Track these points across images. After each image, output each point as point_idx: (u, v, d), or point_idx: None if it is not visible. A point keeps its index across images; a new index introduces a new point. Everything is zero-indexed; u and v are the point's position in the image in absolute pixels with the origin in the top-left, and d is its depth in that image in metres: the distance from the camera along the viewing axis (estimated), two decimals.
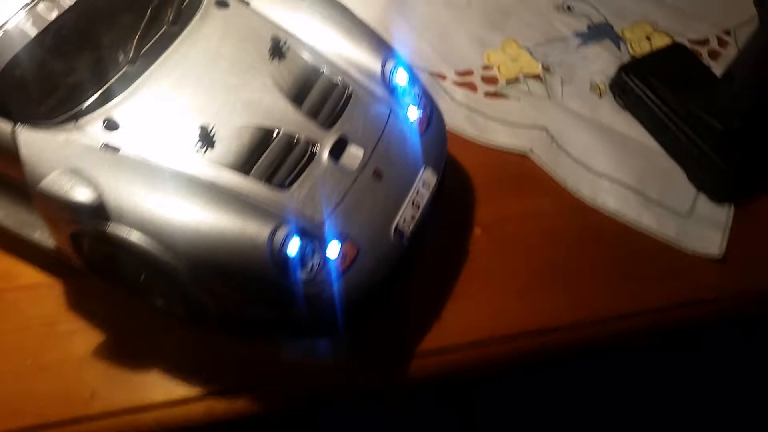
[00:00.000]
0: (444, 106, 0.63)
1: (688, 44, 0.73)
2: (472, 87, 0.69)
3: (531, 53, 0.72)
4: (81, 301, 0.52)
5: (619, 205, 0.62)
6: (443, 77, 0.69)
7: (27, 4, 0.46)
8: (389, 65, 0.54)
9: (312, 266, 0.46)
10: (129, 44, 0.49)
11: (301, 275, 0.45)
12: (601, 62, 0.72)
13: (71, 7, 0.47)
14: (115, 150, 0.46)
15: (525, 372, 0.67)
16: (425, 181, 0.52)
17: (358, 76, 0.53)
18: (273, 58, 0.52)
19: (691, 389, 0.71)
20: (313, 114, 0.50)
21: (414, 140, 0.53)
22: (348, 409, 0.58)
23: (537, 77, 0.70)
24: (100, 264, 0.49)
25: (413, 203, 0.51)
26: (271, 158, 0.48)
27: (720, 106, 0.64)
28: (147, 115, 0.47)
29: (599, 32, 0.74)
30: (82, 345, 0.50)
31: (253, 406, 0.50)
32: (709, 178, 0.64)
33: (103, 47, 0.48)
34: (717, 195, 0.64)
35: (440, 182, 0.55)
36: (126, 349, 0.51)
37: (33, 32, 0.46)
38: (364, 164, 0.50)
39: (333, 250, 0.46)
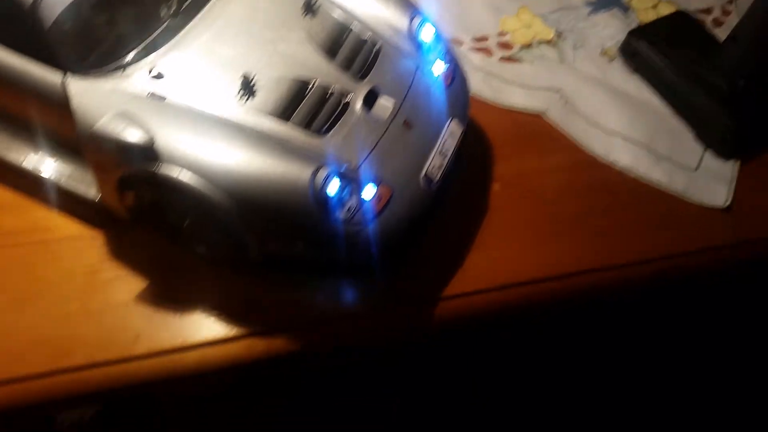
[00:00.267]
0: None
1: (692, 13, 0.76)
2: (487, 52, 0.71)
3: (544, 20, 0.74)
4: (122, 251, 0.54)
5: (630, 161, 0.65)
6: (460, 43, 0.71)
7: None
8: (416, 22, 0.56)
9: (350, 207, 0.48)
10: None
11: (340, 215, 0.47)
12: (610, 29, 0.75)
13: None
14: (162, 98, 0.48)
15: (540, 323, 0.70)
16: (451, 131, 0.55)
17: (387, 33, 0.55)
18: (306, 15, 0.54)
19: (698, 338, 0.74)
20: (346, 67, 0.53)
21: (440, 93, 0.56)
22: (375, 357, 0.60)
23: (550, 42, 0.72)
24: (144, 211, 0.51)
25: (441, 152, 0.54)
26: (308, 107, 0.50)
27: (724, 66, 0.67)
28: (190, 66, 0.49)
29: (608, 1, 0.76)
30: (125, 291, 0.52)
31: (291, 346, 0.52)
32: (716, 135, 0.67)
33: (147, 2, 0.50)
34: (723, 151, 0.67)
35: (464, 134, 0.57)
36: (167, 293, 0.52)
37: None
38: (394, 114, 0.52)
39: (368, 192, 0.49)
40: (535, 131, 0.67)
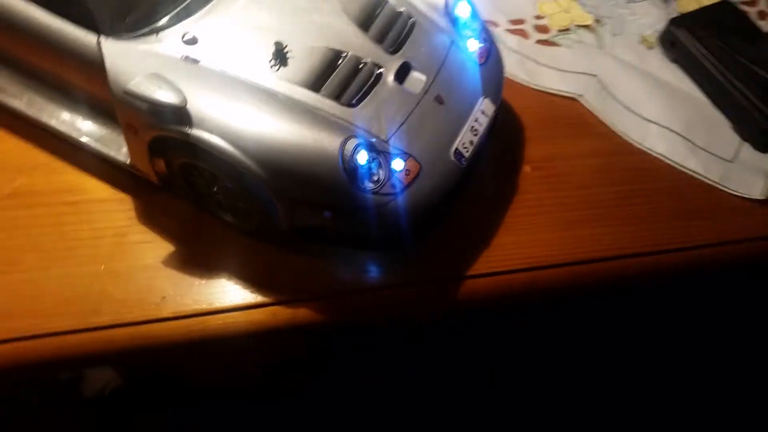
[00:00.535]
0: None
1: (736, 4, 0.75)
2: (524, 35, 0.71)
3: (582, 6, 0.73)
4: (151, 215, 0.54)
5: (666, 148, 0.64)
6: (496, 25, 0.71)
7: None
8: None
9: (378, 178, 0.48)
10: None
11: (369, 185, 0.47)
12: (650, 17, 0.74)
13: None
14: (195, 61, 0.48)
15: (566, 310, 0.69)
16: (484, 109, 0.54)
17: (422, 7, 0.55)
18: None
19: (728, 330, 0.73)
20: (379, 40, 0.52)
21: (474, 71, 0.55)
22: (400, 335, 0.60)
23: (588, 27, 0.71)
24: (173, 176, 0.52)
25: (472, 129, 0.53)
26: (339, 78, 0.50)
27: (767, 55, 0.65)
28: (224, 32, 0.50)
29: None
30: (152, 254, 0.53)
31: (315, 316, 0.52)
32: (755, 127, 0.65)
33: None
34: (761, 143, 0.65)
35: (497, 114, 0.56)
36: (194, 259, 0.53)
37: None
38: (426, 89, 0.52)
39: (397, 164, 0.49)
40: (570, 115, 0.67)
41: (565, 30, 0.71)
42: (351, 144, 0.47)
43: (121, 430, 0.99)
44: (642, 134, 0.65)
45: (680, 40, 0.69)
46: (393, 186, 0.48)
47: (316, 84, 0.49)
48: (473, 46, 0.56)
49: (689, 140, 0.65)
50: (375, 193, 0.48)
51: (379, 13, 0.54)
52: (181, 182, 0.52)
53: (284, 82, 0.48)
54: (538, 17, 0.72)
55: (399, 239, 0.51)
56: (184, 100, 0.45)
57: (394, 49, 0.52)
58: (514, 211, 0.59)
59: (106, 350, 0.49)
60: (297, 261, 0.53)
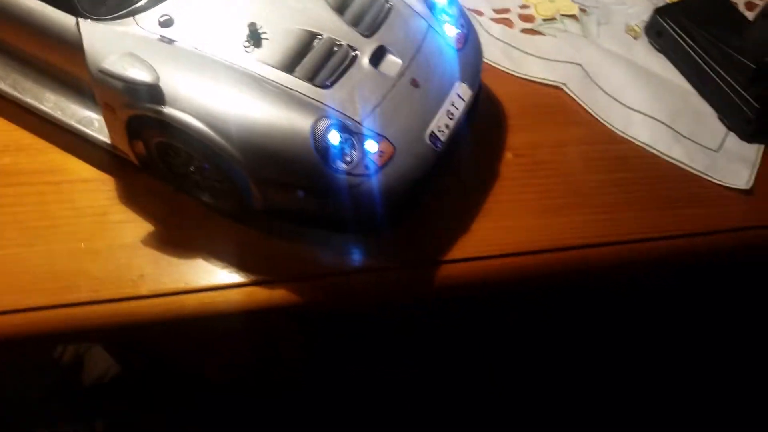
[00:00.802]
0: (481, 40, 0.64)
1: None
2: (508, 23, 0.71)
3: None
4: (131, 196, 0.55)
5: (650, 137, 0.64)
6: (480, 14, 0.71)
7: None
8: None
9: (351, 159, 0.48)
10: None
11: (341, 165, 0.48)
12: (636, 7, 0.74)
13: None
14: (171, 42, 0.49)
15: (553, 302, 0.69)
16: (460, 94, 0.55)
17: None
18: None
19: (711, 320, 0.72)
20: (354, 23, 0.53)
21: (451, 56, 0.55)
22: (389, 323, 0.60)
23: (573, 17, 0.72)
24: (151, 157, 0.52)
25: (448, 113, 0.54)
26: (313, 60, 0.50)
27: (752, 44, 0.65)
28: (200, 13, 0.51)
29: None
30: (132, 233, 0.53)
31: (291, 297, 0.52)
32: (739, 117, 0.65)
33: None
34: (747, 133, 0.65)
35: (475, 98, 0.57)
36: (172, 239, 0.54)
37: None
38: (402, 73, 0.52)
39: (371, 146, 0.49)
40: (554, 103, 0.67)
41: (551, 19, 0.71)
42: (323, 124, 0.47)
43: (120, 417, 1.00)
44: (626, 123, 0.65)
45: (666, 30, 0.70)
46: (366, 167, 0.49)
47: (290, 65, 0.50)
48: (451, 31, 0.56)
49: (674, 129, 0.65)
50: (348, 173, 0.48)
51: None
52: (159, 162, 0.53)
53: (258, 63, 0.49)
54: (523, 6, 0.72)
55: (373, 221, 0.51)
56: (157, 78, 0.46)
57: (370, 32, 0.53)
58: (495, 198, 0.59)
59: (83, 326, 0.50)
60: (274, 243, 0.54)
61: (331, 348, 0.88)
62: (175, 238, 0.54)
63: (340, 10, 0.53)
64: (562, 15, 0.72)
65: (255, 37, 0.50)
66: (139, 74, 0.45)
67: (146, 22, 0.49)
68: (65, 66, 0.52)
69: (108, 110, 0.50)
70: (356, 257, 0.54)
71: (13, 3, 0.51)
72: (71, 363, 1.08)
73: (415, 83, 0.53)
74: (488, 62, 0.67)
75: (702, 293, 0.68)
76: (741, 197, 0.62)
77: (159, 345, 0.76)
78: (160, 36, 0.49)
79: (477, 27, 0.69)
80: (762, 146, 0.65)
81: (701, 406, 0.81)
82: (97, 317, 0.51)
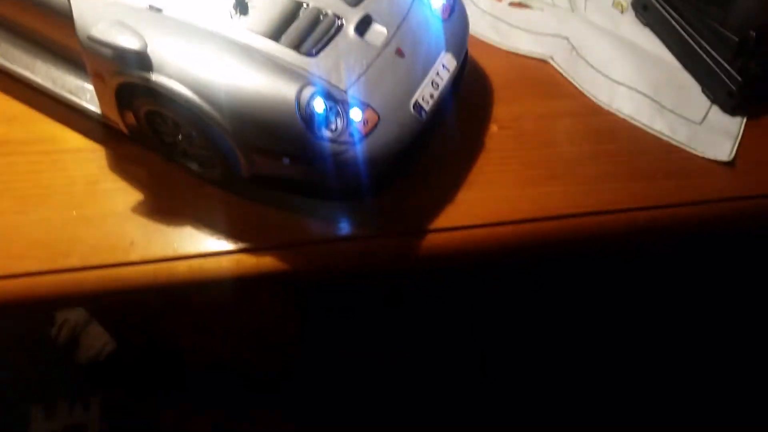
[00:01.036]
0: (468, 13, 0.65)
1: None
2: None
3: None
4: (121, 165, 0.56)
5: (633, 109, 0.65)
6: None
7: None
8: None
9: (336, 126, 0.49)
10: None
11: (326, 133, 0.49)
12: None
13: None
14: (158, 10, 0.50)
15: (539, 274, 0.70)
16: (445, 64, 0.56)
17: None
18: None
19: (693, 290, 0.74)
20: None
21: (436, 26, 0.56)
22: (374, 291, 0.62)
23: None
24: (141, 126, 0.53)
25: (433, 83, 0.54)
26: (299, 28, 0.51)
27: (735, 18, 0.66)
28: None
29: None
30: (122, 201, 0.55)
31: (278, 264, 0.53)
32: (722, 89, 0.66)
33: None
34: (729, 105, 0.66)
35: (461, 69, 0.58)
36: (162, 207, 0.55)
37: None
38: (387, 42, 0.53)
39: (355, 114, 0.50)
40: (540, 77, 0.67)
41: None
42: (307, 91, 0.48)
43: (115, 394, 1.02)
44: (610, 96, 0.66)
45: (652, 4, 0.70)
46: (351, 135, 0.50)
47: (275, 33, 0.51)
48: (437, 2, 0.57)
49: (657, 102, 0.66)
50: (332, 141, 0.49)
51: None
52: (149, 132, 0.54)
53: (244, 31, 0.50)
54: None
55: (358, 189, 0.52)
56: (145, 46, 0.46)
57: (356, 1, 0.54)
58: (479, 168, 0.60)
59: (74, 292, 0.52)
60: (262, 211, 0.55)
61: (321, 328, 0.89)
62: (165, 206, 0.55)
63: None
64: None
65: (241, 6, 0.51)
66: (128, 41, 0.46)
67: None
68: (55, 35, 0.53)
69: (98, 79, 0.51)
70: (342, 225, 0.55)
71: None
72: (67, 341, 1.10)
73: (400, 53, 0.54)
74: (475, 35, 0.68)
75: (684, 263, 0.69)
76: (723, 169, 0.63)
77: (153, 322, 0.77)
78: (149, 5, 0.50)
79: (465, 0, 0.70)
80: (744, 119, 0.66)
81: (687, 384, 0.82)
82: (88, 283, 0.52)
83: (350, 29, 0.52)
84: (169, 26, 0.49)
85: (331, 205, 0.56)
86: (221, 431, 0.98)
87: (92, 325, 1.11)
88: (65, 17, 0.50)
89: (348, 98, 0.50)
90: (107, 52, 0.47)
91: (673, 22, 0.69)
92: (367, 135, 0.50)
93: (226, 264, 0.53)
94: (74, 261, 0.52)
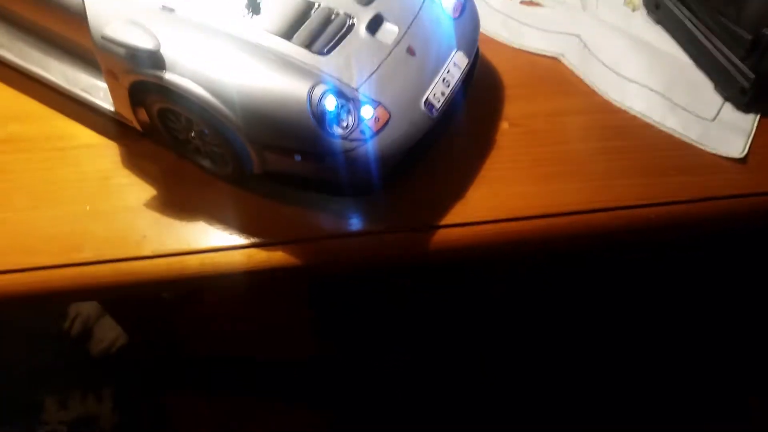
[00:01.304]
0: (480, 11, 0.65)
1: None
2: None
3: None
4: (134, 161, 0.57)
5: (645, 107, 0.65)
6: None
7: None
8: None
9: (347, 124, 0.50)
10: None
11: (337, 130, 0.49)
12: None
13: None
14: (171, 10, 0.50)
15: (537, 268, 0.70)
16: (456, 62, 0.56)
17: None
18: None
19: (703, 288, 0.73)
20: None
21: (447, 24, 0.56)
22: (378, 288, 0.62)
23: None
24: (154, 122, 0.54)
25: (444, 81, 0.55)
26: (311, 27, 0.52)
27: (749, 15, 0.65)
28: None
29: None
30: (135, 196, 0.55)
31: (289, 259, 0.54)
32: (735, 87, 0.66)
33: None
34: (741, 102, 0.66)
35: (471, 67, 0.58)
36: (174, 202, 0.55)
37: None
38: (398, 41, 0.53)
39: (366, 111, 0.50)
40: (551, 74, 0.67)
41: None
42: (319, 90, 0.48)
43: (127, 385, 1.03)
44: (622, 93, 0.66)
45: (664, 2, 0.70)
46: (362, 132, 0.50)
47: (288, 33, 0.51)
48: (448, 0, 0.57)
49: (669, 99, 0.65)
50: (343, 138, 0.50)
51: None
52: (161, 129, 0.54)
53: (257, 30, 0.50)
54: None
55: (368, 185, 0.53)
56: (158, 44, 0.47)
57: (367, 1, 0.54)
58: (490, 165, 0.60)
59: (88, 285, 0.52)
60: (273, 207, 0.56)
61: (328, 327, 0.90)
62: (177, 201, 0.55)
63: None
64: None
65: (254, 5, 0.51)
66: (141, 40, 0.47)
67: None
68: (70, 34, 0.54)
69: (111, 77, 0.51)
70: (352, 221, 0.56)
71: None
72: (80, 334, 1.11)
73: (411, 51, 0.54)
74: (487, 34, 0.68)
75: (695, 259, 0.69)
76: (735, 166, 0.62)
77: (165, 315, 0.78)
78: (162, 5, 0.50)
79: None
80: (758, 116, 0.65)
81: (693, 380, 0.82)
82: (101, 276, 0.52)
83: (362, 28, 0.52)
84: (181, 25, 0.49)
85: (341, 200, 0.56)
86: (231, 422, 0.99)
87: (104, 317, 1.12)
88: (79, 17, 0.50)
89: (359, 96, 0.50)
90: (121, 51, 0.48)
91: (685, 20, 0.69)
92: (377, 132, 0.51)
93: (237, 258, 0.54)
94: (87, 255, 0.53)
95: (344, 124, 0.50)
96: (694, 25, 0.68)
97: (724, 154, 0.63)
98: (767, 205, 0.62)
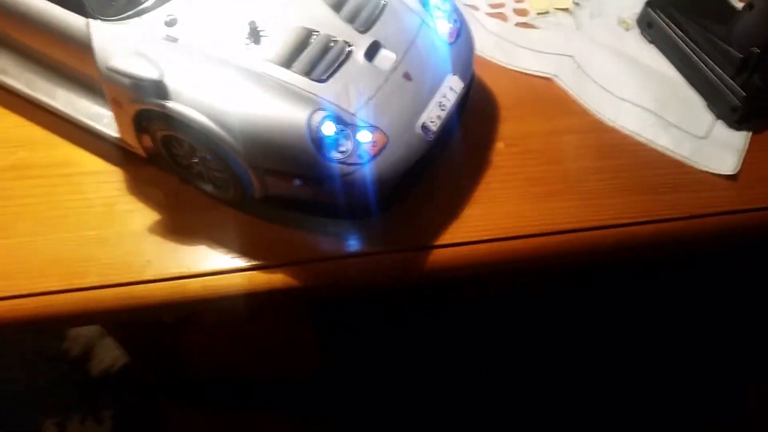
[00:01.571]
0: (475, 33, 0.66)
1: None
2: (503, 17, 0.73)
3: None
4: (138, 187, 0.58)
5: (637, 126, 0.66)
6: (476, 8, 0.73)
7: None
8: None
9: (345, 149, 0.51)
10: None
11: (335, 155, 0.50)
12: None
13: None
14: (174, 40, 0.51)
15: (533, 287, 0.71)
16: (451, 86, 0.57)
17: None
18: None
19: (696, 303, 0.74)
20: (350, 20, 0.55)
21: (443, 49, 0.58)
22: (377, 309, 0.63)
23: (566, 11, 0.74)
24: (158, 150, 0.55)
25: (439, 104, 0.56)
26: (310, 56, 0.53)
27: (739, 34, 0.67)
28: (203, 12, 0.53)
29: None
30: (139, 222, 0.56)
31: (289, 281, 0.55)
32: (727, 104, 0.67)
33: None
34: (734, 120, 0.67)
35: (467, 90, 0.59)
36: (177, 227, 0.56)
37: None
38: (395, 66, 0.55)
39: (364, 136, 0.51)
40: (546, 95, 0.69)
41: (545, 13, 0.73)
42: (318, 116, 0.50)
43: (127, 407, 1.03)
44: (615, 112, 0.67)
45: (656, 21, 0.71)
46: (360, 156, 0.51)
47: (288, 61, 0.52)
48: (443, 26, 0.58)
49: (662, 117, 0.67)
50: (341, 162, 0.51)
51: None
52: (165, 155, 0.55)
53: (257, 59, 0.52)
54: (518, 1, 0.74)
55: (366, 208, 0.54)
56: (162, 75, 0.48)
57: (365, 28, 0.55)
58: (486, 185, 0.62)
59: (92, 310, 0.53)
60: (273, 230, 0.57)
61: (329, 344, 0.91)
62: (180, 226, 0.57)
63: (337, 7, 0.56)
64: (556, 8, 0.73)
65: (255, 35, 0.52)
66: (145, 71, 0.48)
67: (152, 22, 0.52)
68: (76, 64, 0.55)
69: (116, 105, 0.52)
70: (351, 242, 0.57)
71: (27, 6, 0.54)
72: (80, 355, 1.12)
73: (408, 76, 0.55)
74: (482, 55, 0.70)
75: (688, 276, 0.70)
76: (727, 183, 0.64)
77: (165, 337, 0.79)
78: (165, 35, 0.51)
79: (472, 21, 0.72)
80: (749, 133, 0.67)
81: (689, 394, 0.83)
82: (105, 301, 0.54)
83: (359, 55, 0.54)
84: (184, 55, 0.51)
85: (340, 223, 0.58)
86: None
87: (105, 338, 1.13)
88: (86, 48, 0.52)
89: (357, 121, 0.52)
90: (126, 81, 0.49)
91: (678, 39, 0.70)
92: (375, 156, 0.52)
93: (238, 281, 0.55)
94: (92, 279, 0.54)
95: (342, 149, 0.51)
96: (686, 43, 0.69)
97: (717, 172, 0.64)
98: (759, 221, 0.63)
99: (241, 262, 0.55)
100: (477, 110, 0.65)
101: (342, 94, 0.52)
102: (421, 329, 0.82)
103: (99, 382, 1.07)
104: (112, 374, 1.08)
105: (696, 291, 0.73)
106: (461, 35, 0.59)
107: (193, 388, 1.03)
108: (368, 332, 0.85)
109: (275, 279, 0.55)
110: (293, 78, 0.51)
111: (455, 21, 0.59)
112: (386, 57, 0.55)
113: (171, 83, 0.49)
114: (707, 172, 0.64)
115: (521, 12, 0.73)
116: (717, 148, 0.65)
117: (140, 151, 0.56)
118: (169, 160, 0.56)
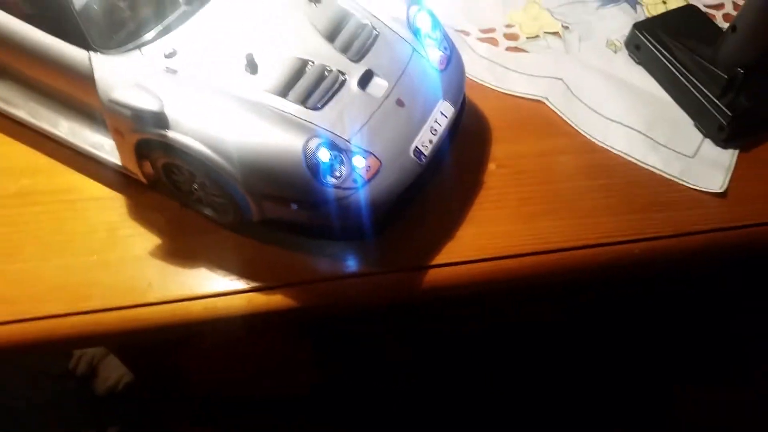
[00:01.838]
0: (466, 58, 0.69)
1: (703, 8, 0.78)
2: (494, 42, 0.75)
3: (551, 13, 0.77)
4: (140, 212, 0.60)
5: (626, 145, 0.68)
6: (467, 33, 0.75)
7: None
8: (413, 10, 0.60)
9: (340, 174, 0.53)
10: None
11: (331, 180, 0.52)
12: (617, 22, 0.77)
13: None
14: (174, 72, 0.53)
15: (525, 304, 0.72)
16: (443, 111, 0.59)
17: (386, 20, 0.60)
18: (310, 2, 0.59)
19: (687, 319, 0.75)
20: (344, 50, 0.57)
21: (434, 76, 0.60)
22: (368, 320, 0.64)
23: (556, 34, 0.76)
24: (158, 176, 0.57)
25: (431, 129, 0.58)
26: (305, 85, 0.55)
27: (724, 56, 0.69)
28: (201, 45, 0.55)
29: None
30: (141, 246, 0.58)
31: (287, 302, 0.56)
32: (714, 123, 0.69)
33: None
34: (721, 139, 0.69)
35: (458, 115, 0.61)
36: (178, 250, 0.58)
37: None
38: (387, 94, 0.56)
39: (359, 161, 0.53)
40: (536, 117, 0.70)
41: (534, 37, 0.75)
42: (313, 143, 0.51)
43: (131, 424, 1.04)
44: (604, 133, 0.69)
45: (644, 44, 0.73)
46: (354, 181, 0.53)
47: (284, 91, 0.54)
48: (434, 53, 0.60)
49: (650, 137, 0.68)
50: (337, 187, 0.52)
51: (345, 25, 0.59)
52: (166, 181, 0.57)
53: (255, 89, 0.53)
54: (508, 26, 0.76)
55: (361, 230, 0.55)
56: (162, 106, 0.50)
57: (358, 57, 0.57)
58: (478, 205, 0.63)
59: (95, 332, 0.55)
60: (272, 252, 0.58)
61: (329, 360, 0.92)
62: (181, 249, 0.58)
63: (331, 38, 0.58)
64: (546, 32, 0.75)
65: (252, 66, 0.54)
66: (146, 103, 0.50)
67: (152, 54, 0.54)
68: (79, 95, 0.57)
69: (118, 135, 0.54)
70: (348, 264, 0.58)
71: (31, 40, 0.56)
72: (85, 372, 1.13)
73: (400, 103, 0.57)
74: (473, 79, 0.71)
75: (679, 292, 0.72)
76: (716, 200, 0.65)
77: (169, 355, 0.80)
78: (165, 67, 0.53)
79: (463, 46, 0.74)
80: (736, 151, 0.68)
81: (684, 405, 0.84)
82: (108, 323, 0.55)
83: (353, 83, 0.56)
84: (184, 86, 0.52)
85: (336, 244, 0.59)
86: None
87: (109, 357, 1.14)
88: (88, 80, 0.54)
89: (351, 147, 0.53)
90: (127, 112, 0.51)
91: (665, 61, 0.72)
92: (369, 180, 0.54)
93: (238, 302, 0.57)
94: (95, 303, 0.55)
95: (337, 174, 0.53)
96: (673, 65, 0.71)
97: (705, 189, 0.65)
98: (747, 237, 0.65)
99: (241, 284, 0.57)
100: (469, 132, 0.67)
101: (337, 121, 0.54)
102: (419, 347, 0.83)
103: (104, 400, 1.08)
104: (118, 392, 1.09)
105: (686, 308, 0.74)
106: (452, 62, 0.61)
107: (196, 405, 1.04)
108: (367, 350, 0.86)
109: (274, 300, 0.56)
110: (289, 107, 0.53)
111: (445, 48, 0.61)
112: (379, 85, 0.57)
113: (171, 113, 0.51)
114: (696, 190, 0.65)
115: (511, 36, 0.75)
116: (705, 167, 0.67)
117: (141, 178, 0.58)
118: (169, 186, 0.58)
